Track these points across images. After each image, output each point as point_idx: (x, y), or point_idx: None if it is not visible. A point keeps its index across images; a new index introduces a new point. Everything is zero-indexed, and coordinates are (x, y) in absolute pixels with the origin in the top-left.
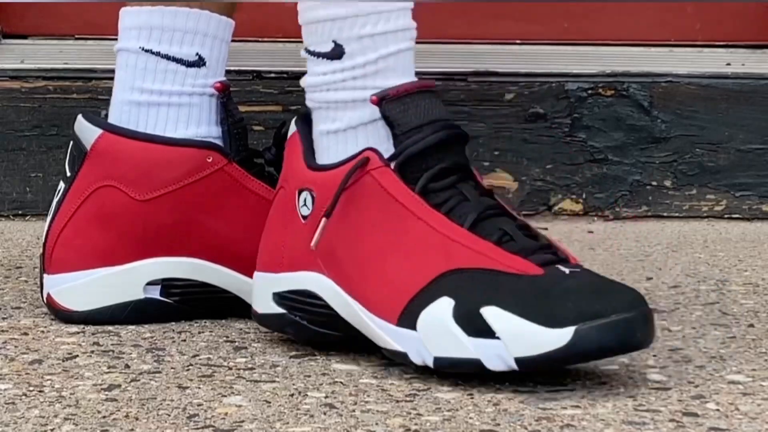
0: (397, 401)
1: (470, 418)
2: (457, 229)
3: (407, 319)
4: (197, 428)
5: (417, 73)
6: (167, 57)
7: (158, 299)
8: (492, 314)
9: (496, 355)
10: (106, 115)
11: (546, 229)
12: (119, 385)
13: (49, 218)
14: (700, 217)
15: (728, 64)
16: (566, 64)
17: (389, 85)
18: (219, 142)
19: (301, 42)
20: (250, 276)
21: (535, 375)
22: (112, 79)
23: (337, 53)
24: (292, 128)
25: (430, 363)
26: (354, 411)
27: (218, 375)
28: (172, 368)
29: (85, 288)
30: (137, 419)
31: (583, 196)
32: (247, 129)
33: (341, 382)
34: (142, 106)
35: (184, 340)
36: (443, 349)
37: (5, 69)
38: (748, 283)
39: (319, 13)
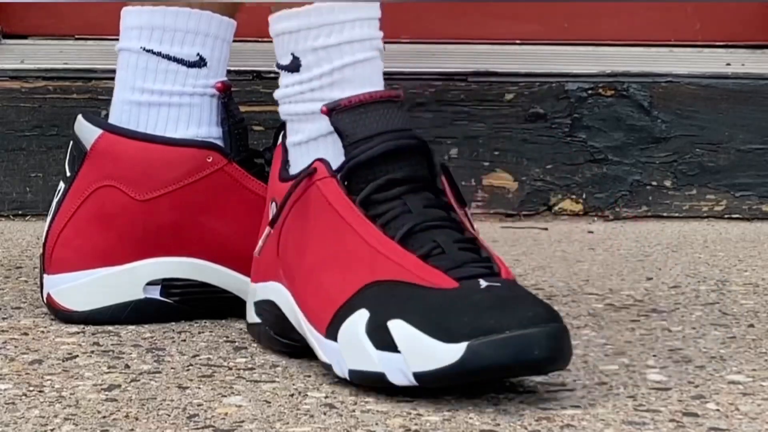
0: (397, 401)
1: (470, 418)
2: (386, 242)
3: (332, 330)
4: (197, 428)
5: (417, 74)
6: (168, 57)
7: (158, 299)
8: (396, 328)
9: (397, 369)
10: (107, 115)
11: (546, 229)
12: (119, 385)
13: (49, 218)
14: (700, 217)
15: (728, 64)
16: (566, 64)
17: (345, 96)
18: (219, 142)
19: None
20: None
21: (535, 375)
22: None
23: (294, 66)
24: (280, 139)
25: (347, 375)
26: (354, 411)
27: (218, 375)
28: (172, 368)
29: (85, 288)
30: (137, 419)
31: (583, 196)
32: (247, 129)
33: (341, 382)
34: (142, 106)
35: (184, 340)
36: (356, 361)
37: (5, 69)
38: (748, 283)
39: (278, 26)
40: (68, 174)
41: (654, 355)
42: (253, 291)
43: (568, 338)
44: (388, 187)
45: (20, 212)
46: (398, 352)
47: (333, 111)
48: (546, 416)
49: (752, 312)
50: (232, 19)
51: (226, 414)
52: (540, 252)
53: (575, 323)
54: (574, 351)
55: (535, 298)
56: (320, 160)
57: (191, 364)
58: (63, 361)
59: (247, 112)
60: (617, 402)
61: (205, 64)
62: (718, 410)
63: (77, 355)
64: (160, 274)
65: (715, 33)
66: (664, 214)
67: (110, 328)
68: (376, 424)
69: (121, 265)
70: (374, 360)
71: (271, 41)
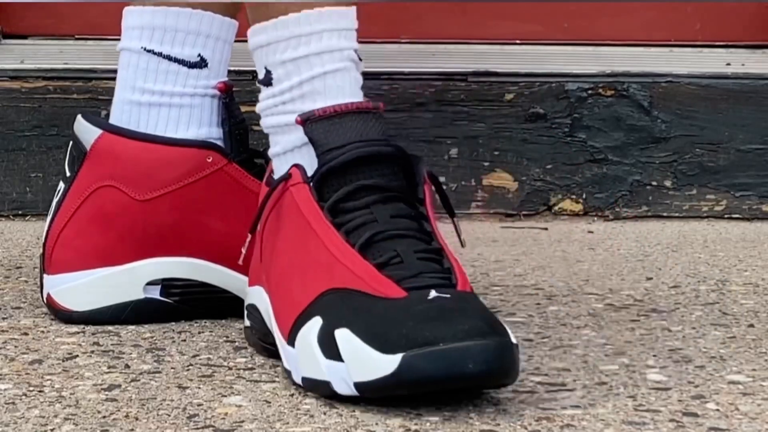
0: (398, 401)
1: (470, 418)
2: (345, 249)
3: (292, 336)
4: (197, 428)
5: (418, 74)
6: (169, 58)
7: (158, 299)
8: (341, 337)
9: (341, 379)
10: (107, 115)
11: (546, 229)
12: (119, 385)
13: (48, 218)
14: (700, 217)
15: (728, 64)
16: (566, 64)
17: (317, 108)
18: (220, 143)
19: None
20: None
21: (535, 375)
22: (112, 79)
23: (267, 80)
24: None
25: (301, 382)
26: (354, 411)
27: (218, 375)
28: (172, 368)
29: (85, 288)
30: (137, 419)
31: (583, 196)
32: (248, 130)
33: None
34: (142, 106)
35: (184, 340)
36: (308, 369)
37: (5, 69)
38: (748, 283)
39: (252, 41)
40: (68, 174)
41: (654, 355)
42: (246, 295)
43: (510, 353)
44: (358, 195)
45: (20, 212)
46: (342, 361)
47: (307, 121)
48: (546, 416)
49: (752, 312)
50: (233, 19)
51: (226, 414)
52: (540, 252)
53: (575, 323)
54: (574, 351)
55: (480, 311)
56: (296, 165)
57: (191, 364)
58: (63, 361)
59: (247, 112)
60: (617, 402)
61: (206, 65)
62: (718, 410)
63: (77, 355)
64: (160, 274)
65: (715, 33)
66: (664, 214)
67: (110, 328)
68: (376, 424)
69: (121, 265)
70: (322, 368)
71: None
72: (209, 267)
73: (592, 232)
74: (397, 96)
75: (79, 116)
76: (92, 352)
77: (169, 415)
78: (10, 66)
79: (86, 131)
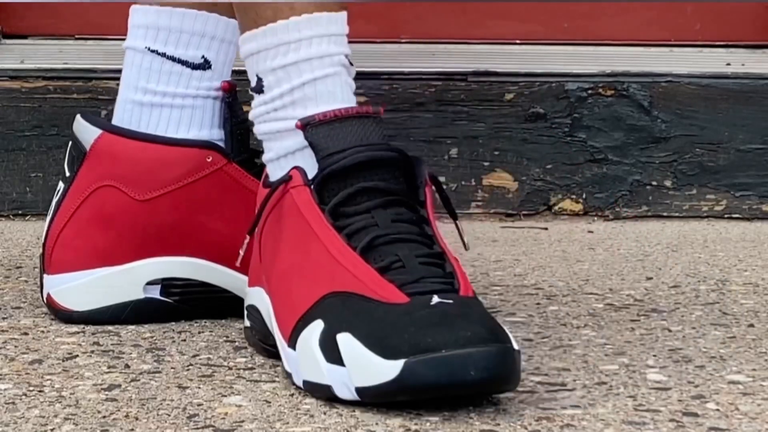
0: (398, 401)
1: (470, 418)
2: (347, 252)
3: (293, 338)
4: (197, 428)
5: (418, 73)
6: (173, 59)
7: (158, 299)
8: (343, 341)
9: (342, 383)
10: (107, 115)
11: (546, 228)
12: (119, 385)
13: (48, 218)
14: (700, 217)
15: (728, 64)
16: (566, 64)
17: (308, 114)
18: (221, 144)
19: None
20: None
21: (535, 375)
22: (112, 79)
23: (259, 87)
24: None
25: (302, 385)
26: (354, 411)
27: (218, 375)
28: (172, 368)
29: (85, 288)
30: (137, 419)
31: (583, 196)
32: (249, 130)
33: None
34: (144, 106)
35: (184, 340)
36: (309, 372)
37: (5, 69)
38: (748, 283)
39: (243, 49)
40: (67, 174)
41: (654, 355)
42: (246, 295)
43: (511, 360)
44: (359, 198)
45: (20, 212)
46: (344, 365)
47: (308, 125)
48: (546, 416)
49: (752, 312)
50: None
51: (226, 414)
52: (540, 252)
53: (575, 323)
54: (574, 351)
55: (482, 317)
56: (297, 168)
57: (191, 364)
58: (63, 361)
59: (247, 112)
60: (617, 402)
61: (209, 67)
62: (718, 410)
63: (77, 355)
64: (159, 273)
65: (715, 33)
66: (664, 214)
67: (110, 328)
68: (376, 424)
69: (120, 265)
70: (323, 372)
71: None
72: (209, 266)
73: (592, 232)
74: (397, 96)
75: (78, 116)
76: (92, 352)
77: (169, 415)
78: (10, 66)
79: (85, 131)
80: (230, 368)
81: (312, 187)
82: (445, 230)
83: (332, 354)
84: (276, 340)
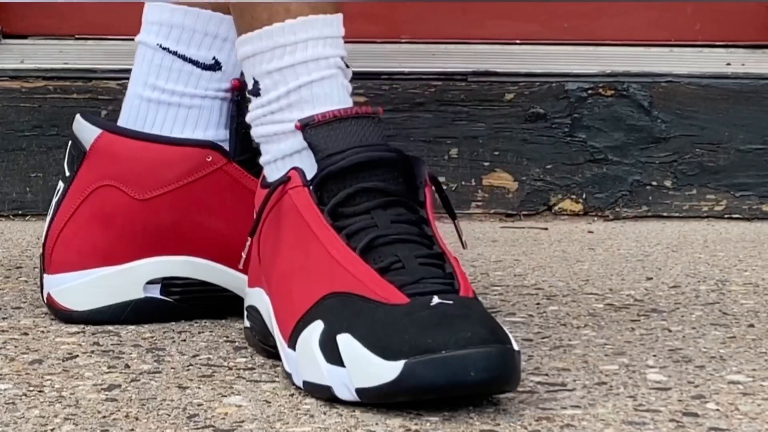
0: (397, 402)
1: (470, 418)
2: (346, 253)
3: (293, 339)
4: (197, 428)
5: (418, 74)
6: (184, 58)
7: (158, 298)
8: (343, 342)
9: (343, 384)
10: (107, 115)
11: (546, 229)
12: (119, 385)
13: (48, 218)
14: (700, 217)
15: (728, 64)
16: (566, 64)
17: (304, 117)
18: (225, 144)
19: None
20: None
21: (535, 375)
22: (112, 79)
23: (256, 90)
24: None
25: (302, 386)
26: (354, 411)
27: (218, 375)
28: (172, 368)
29: (85, 288)
30: (137, 419)
31: (583, 196)
32: None
33: None
34: (152, 103)
35: (184, 340)
36: (309, 372)
37: (5, 69)
38: (748, 283)
39: (240, 52)
40: (67, 174)
41: (654, 355)
42: (246, 296)
43: (512, 360)
44: (358, 199)
45: (20, 212)
46: (344, 366)
47: (307, 126)
48: (546, 416)
49: (752, 312)
50: None
51: (226, 414)
52: (540, 252)
53: (575, 323)
54: (574, 351)
55: (483, 317)
56: (295, 169)
57: (191, 364)
58: (63, 361)
59: None
60: (617, 402)
61: (219, 68)
62: (718, 410)
63: (77, 355)
64: (159, 273)
65: (715, 33)
66: (664, 214)
67: (110, 328)
68: (376, 424)
69: (120, 265)
70: (323, 373)
71: None
72: (209, 266)
73: (592, 232)
74: (397, 96)
75: (78, 116)
76: (92, 352)
77: (169, 415)
78: (10, 66)
79: (85, 131)
80: (230, 368)
81: (311, 187)
82: (444, 230)
83: (332, 354)
84: (276, 340)
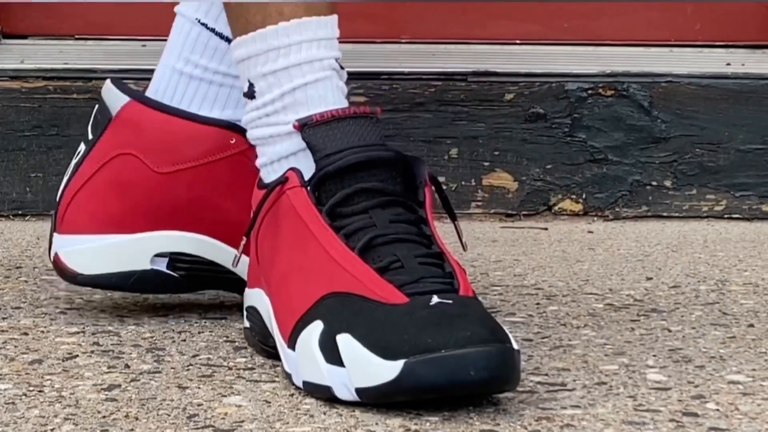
0: (397, 401)
1: (470, 418)
2: (346, 253)
3: (293, 339)
4: (197, 428)
5: (418, 74)
6: (221, 36)
7: (164, 272)
8: (343, 342)
9: (342, 384)
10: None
11: (546, 229)
12: (119, 385)
13: (65, 178)
14: (700, 217)
15: (728, 64)
16: (566, 64)
17: (301, 117)
18: None
19: None
20: None
21: (535, 375)
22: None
23: (251, 93)
24: None
25: (302, 386)
26: (354, 411)
27: (218, 375)
28: (172, 368)
29: (94, 252)
30: (137, 419)
31: (583, 196)
32: None
33: None
34: (183, 76)
35: (184, 340)
36: (309, 373)
37: (5, 69)
38: (748, 283)
39: (235, 54)
40: (90, 137)
41: (654, 355)
42: (246, 296)
43: (512, 360)
44: (356, 199)
45: (20, 212)
46: (343, 366)
47: (305, 126)
48: (546, 416)
49: (752, 312)
50: None
51: (226, 414)
52: (540, 252)
53: (575, 323)
54: (574, 351)
55: (482, 317)
56: (293, 169)
57: (191, 364)
58: (63, 361)
59: None
60: (617, 402)
61: None
62: (718, 410)
63: (77, 355)
64: (169, 247)
65: (715, 33)
66: (664, 214)
67: (110, 328)
68: (376, 424)
69: (131, 234)
70: (323, 373)
71: None
72: (219, 246)
73: (592, 232)
74: (397, 96)
75: (108, 81)
76: (92, 352)
77: (169, 415)
78: (10, 66)
79: (113, 97)
80: (230, 368)
81: (309, 188)
82: (444, 230)
83: (332, 355)
84: (276, 340)
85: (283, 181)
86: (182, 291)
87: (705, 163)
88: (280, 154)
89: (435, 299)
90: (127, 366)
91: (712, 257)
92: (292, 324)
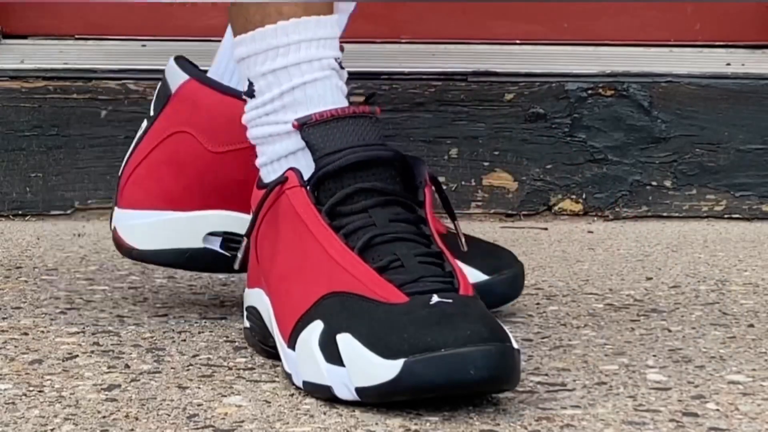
0: (397, 401)
1: (470, 418)
2: (345, 253)
3: (293, 339)
4: (197, 428)
5: (418, 73)
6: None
7: (216, 251)
8: (343, 341)
9: (342, 384)
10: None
11: (546, 229)
12: (119, 385)
13: (128, 152)
14: (700, 217)
15: (728, 64)
16: (566, 64)
17: (310, 114)
18: None
19: None
20: None
21: (535, 375)
22: (111, 79)
23: (251, 92)
24: None
25: (302, 386)
26: (354, 411)
27: (218, 375)
28: (172, 368)
29: (149, 228)
30: (137, 419)
31: (583, 196)
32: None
33: None
34: None
35: (184, 340)
36: (309, 372)
37: (5, 69)
38: (748, 283)
39: (235, 53)
40: (152, 113)
41: (654, 355)
42: (246, 296)
43: (511, 358)
44: (356, 198)
45: (20, 212)
46: (343, 365)
47: (304, 125)
48: (546, 416)
49: (752, 312)
50: None
51: (226, 414)
52: (540, 252)
53: (575, 323)
54: (574, 351)
55: (482, 315)
56: (292, 169)
57: (191, 364)
58: (63, 361)
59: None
60: (617, 402)
61: None
62: (718, 410)
63: (77, 355)
64: (222, 226)
65: (715, 33)
66: (664, 214)
67: (110, 328)
68: (376, 424)
69: (186, 212)
70: (323, 372)
71: None
72: None
73: (592, 232)
74: (397, 96)
75: (171, 59)
76: (92, 352)
77: (169, 415)
78: (10, 66)
79: (174, 75)
80: (230, 368)
81: (308, 187)
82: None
83: (332, 354)
84: (276, 340)
85: (282, 180)
86: (233, 271)
87: (705, 163)
88: (280, 154)
89: (435, 298)
90: (127, 366)
91: (712, 257)
92: (292, 324)
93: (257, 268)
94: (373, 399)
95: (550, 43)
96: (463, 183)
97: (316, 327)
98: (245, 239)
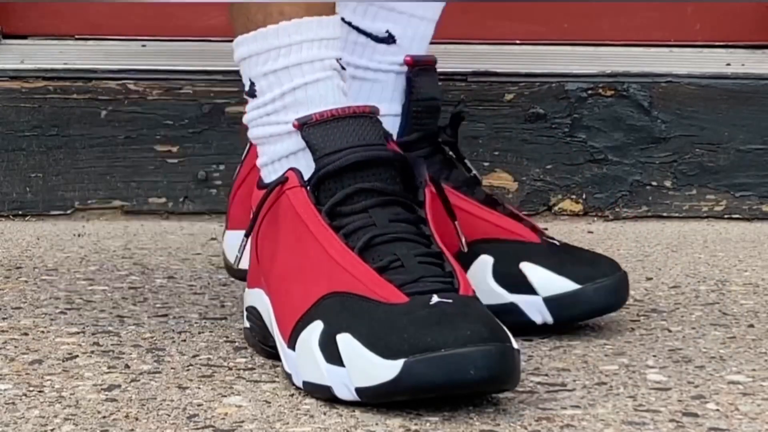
0: (397, 401)
1: (470, 418)
2: (345, 253)
3: (293, 339)
4: (197, 428)
5: None
6: (357, 29)
7: None
8: (343, 341)
9: (342, 384)
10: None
11: (546, 229)
12: (119, 385)
13: (236, 172)
14: (700, 217)
15: (728, 64)
16: (566, 64)
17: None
18: (397, 119)
19: None
20: None
21: (535, 375)
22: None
23: (252, 92)
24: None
25: (302, 386)
26: (354, 411)
27: (218, 375)
28: (172, 368)
29: (247, 250)
30: (137, 419)
31: (583, 196)
32: (436, 107)
33: None
34: None
35: (184, 340)
36: (309, 373)
37: (5, 69)
38: (748, 283)
39: (236, 54)
40: None
41: (654, 355)
42: (246, 296)
43: (512, 358)
44: (356, 198)
45: (20, 212)
46: (343, 366)
47: (304, 125)
48: (546, 416)
49: (752, 312)
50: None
51: (226, 414)
52: None
53: (575, 323)
54: (574, 351)
55: (482, 315)
56: (292, 169)
57: (191, 364)
58: (63, 361)
59: (429, 90)
60: (617, 402)
61: (393, 41)
62: (718, 410)
63: (77, 355)
64: None
65: (715, 33)
66: (664, 214)
67: (110, 328)
68: (376, 424)
69: None
70: (323, 373)
71: None
72: None
73: (592, 232)
74: None
75: None
76: (92, 352)
77: (169, 415)
78: (10, 66)
79: None
80: (230, 368)
81: (308, 188)
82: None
83: (332, 354)
84: (276, 340)
85: (282, 181)
86: None
87: (705, 163)
88: (280, 154)
89: (435, 298)
90: (127, 366)
91: (712, 257)
92: (292, 324)
93: (257, 268)
94: (373, 399)
95: (550, 43)
96: None
97: (316, 327)
98: (245, 239)
